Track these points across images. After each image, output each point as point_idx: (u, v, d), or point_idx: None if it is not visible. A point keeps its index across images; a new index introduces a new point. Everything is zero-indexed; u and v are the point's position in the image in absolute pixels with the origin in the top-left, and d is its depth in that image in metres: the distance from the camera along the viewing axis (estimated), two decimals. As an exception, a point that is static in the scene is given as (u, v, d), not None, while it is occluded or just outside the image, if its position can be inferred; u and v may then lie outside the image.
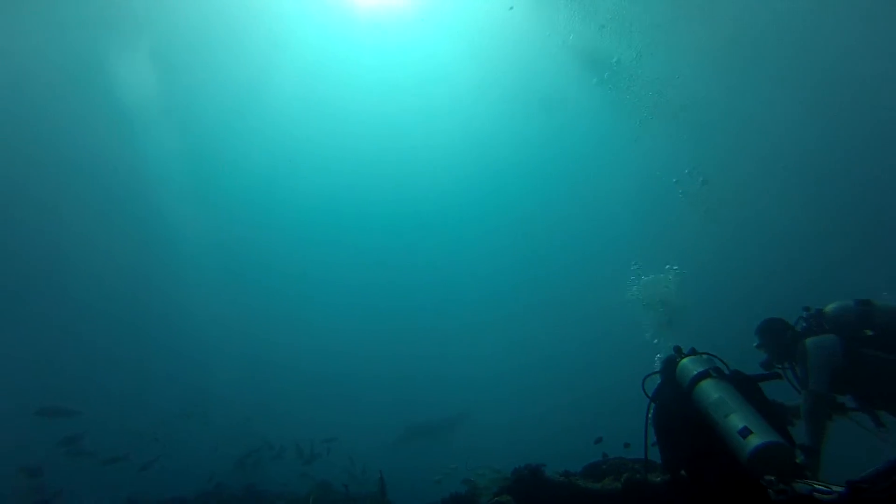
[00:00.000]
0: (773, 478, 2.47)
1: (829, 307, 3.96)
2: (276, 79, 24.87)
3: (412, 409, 26.01)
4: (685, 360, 3.21)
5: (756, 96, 21.28)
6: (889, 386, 3.51)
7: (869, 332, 3.68)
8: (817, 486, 2.31)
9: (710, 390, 2.89)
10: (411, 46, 23.92)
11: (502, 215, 31.58)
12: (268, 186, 30.22)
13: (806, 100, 20.80)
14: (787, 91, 20.72)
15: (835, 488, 2.25)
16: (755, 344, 4.16)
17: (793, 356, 3.92)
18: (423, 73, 25.09)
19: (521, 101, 24.96)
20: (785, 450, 2.50)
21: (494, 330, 32.83)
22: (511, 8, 17.96)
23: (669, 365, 3.39)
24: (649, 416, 3.33)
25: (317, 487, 8.98)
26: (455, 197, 31.34)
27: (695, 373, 3.05)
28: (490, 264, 33.14)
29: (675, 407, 3.14)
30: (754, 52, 19.76)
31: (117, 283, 28.97)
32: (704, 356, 3.22)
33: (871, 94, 19.91)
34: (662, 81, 17.36)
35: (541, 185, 29.42)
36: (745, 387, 2.93)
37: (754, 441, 2.49)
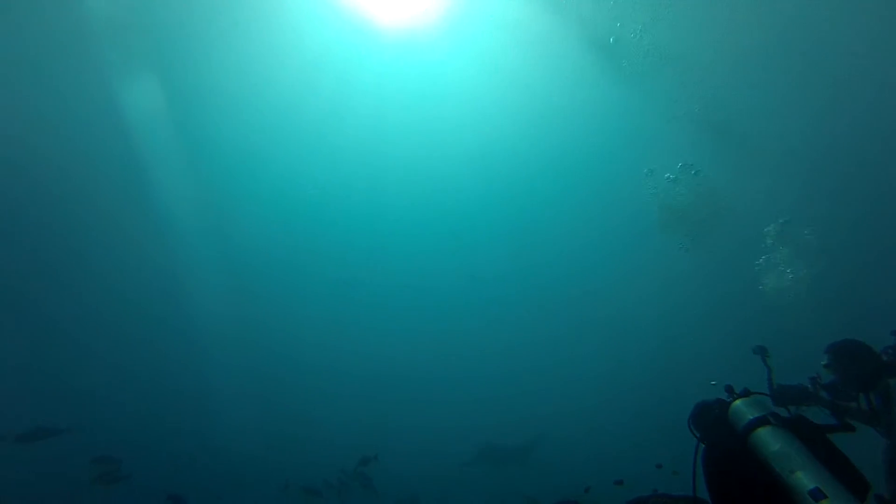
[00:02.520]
0: None
1: None
2: (283, 78, 23.18)
3: (487, 428, 24.66)
4: (738, 402, 3.04)
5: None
6: None
7: None
8: None
9: (770, 440, 2.70)
10: (420, 55, 23.14)
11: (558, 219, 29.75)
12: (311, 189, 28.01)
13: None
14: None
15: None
16: (823, 363, 3.61)
17: (873, 390, 3.38)
18: (431, 78, 24.13)
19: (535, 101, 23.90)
20: None
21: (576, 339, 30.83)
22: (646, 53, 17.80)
23: (721, 406, 3.17)
24: (697, 456, 3.08)
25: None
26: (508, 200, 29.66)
27: (750, 417, 2.88)
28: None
29: (730, 452, 2.91)
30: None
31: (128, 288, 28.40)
32: (759, 397, 3.06)
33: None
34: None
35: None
36: (809, 436, 2.72)
37: None
